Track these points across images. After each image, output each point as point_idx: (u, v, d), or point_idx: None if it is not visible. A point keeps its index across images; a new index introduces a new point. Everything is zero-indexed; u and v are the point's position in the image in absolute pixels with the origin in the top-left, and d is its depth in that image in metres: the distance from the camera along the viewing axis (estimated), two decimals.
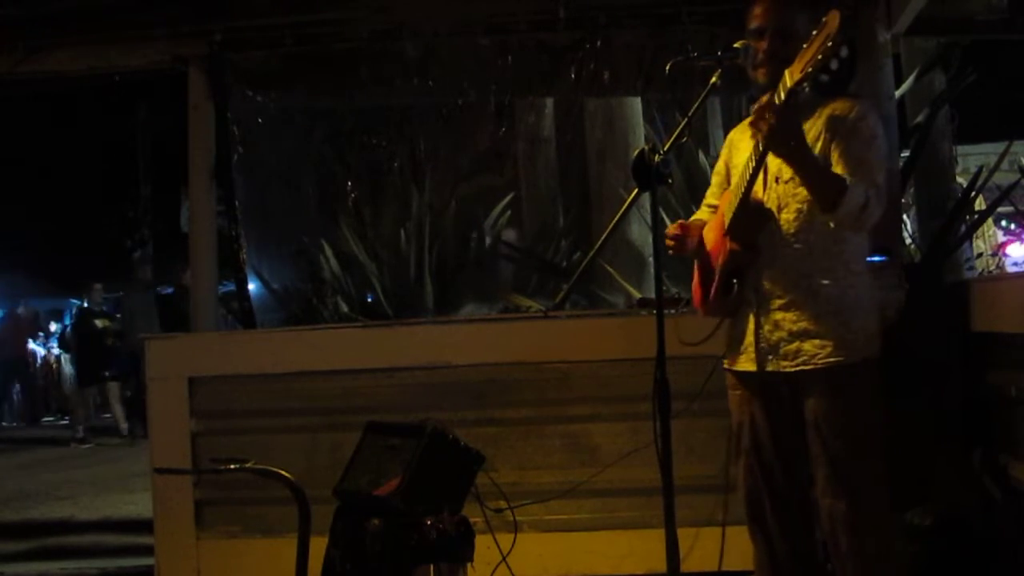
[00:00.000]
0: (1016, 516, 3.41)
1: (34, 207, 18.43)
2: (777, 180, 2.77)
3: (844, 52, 2.51)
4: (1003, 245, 11.82)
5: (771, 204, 2.78)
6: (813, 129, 2.76)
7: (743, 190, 2.73)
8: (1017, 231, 11.97)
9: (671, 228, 2.99)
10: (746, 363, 2.86)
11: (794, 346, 2.75)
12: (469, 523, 3.14)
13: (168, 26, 4.75)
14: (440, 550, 3.04)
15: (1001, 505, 3.46)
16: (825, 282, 2.74)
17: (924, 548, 3.49)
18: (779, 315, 2.78)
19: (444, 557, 3.07)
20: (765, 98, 2.57)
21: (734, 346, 2.90)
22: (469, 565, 3.14)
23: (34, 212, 18.44)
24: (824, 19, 2.40)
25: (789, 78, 2.46)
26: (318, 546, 3.21)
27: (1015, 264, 11.82)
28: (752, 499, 2.91)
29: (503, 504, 3.54)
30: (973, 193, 4.83)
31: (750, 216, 2.76)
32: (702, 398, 3.33)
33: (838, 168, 2.68)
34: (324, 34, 4.79)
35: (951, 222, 4.55)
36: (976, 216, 5.24)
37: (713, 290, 2.87)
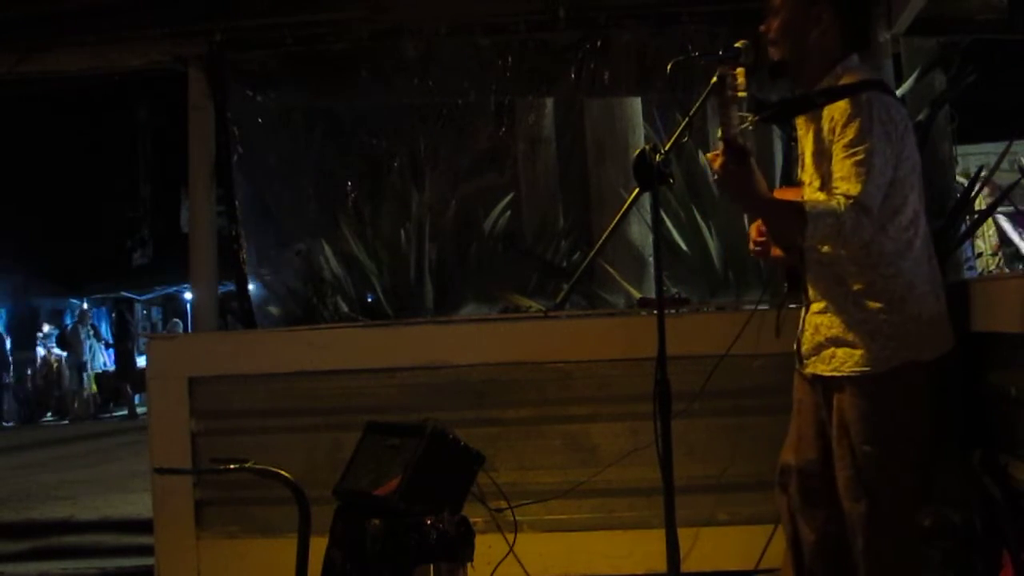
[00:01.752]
0: (1016, 516, 3.40)
1: (34, 207, 18.45)
2: (810, 183, 2.76)
3: (735, 122, 2.55)
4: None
5: None
6: (822, 130, 2.70)
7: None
8: (1017, 231, 11.95)
9: (753, 231, 2.94)
10: (799, 361, 2.89)
11: (830, 351, 2.75)
12: (469, 523, 3.14)
13: (168, 26, 4.76)
14: (440, 550, 3.04)
15: (1001, 505, 3.46)
16: (856, 287, 2.70)
17: (924, 549, 3.48)
18: (818, 319, 2.79)
19: (444, 557, 3.07)
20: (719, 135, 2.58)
21: (797, 338, 2.92)
22: (469, 565, 3.14)
23: (34, 212, 18.46)
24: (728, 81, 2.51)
25: (721, 130, 2.53)
26: (318, 546, 3.21)
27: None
28: (784, 471, 2.92)
29: (503, 504, 3.54)
30: (973, 193, 4.82)
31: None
32: (702, 398, 3.33)
33: (833, 178, 2.62)
34: (324, 34, 4.80)
35: (951, 222, 4.55)
36: (976, 216, 5.23)
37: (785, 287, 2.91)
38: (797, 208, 2.56)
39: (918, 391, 2.75)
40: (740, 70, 2.54)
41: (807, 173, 2.80)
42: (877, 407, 2.69)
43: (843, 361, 2.73)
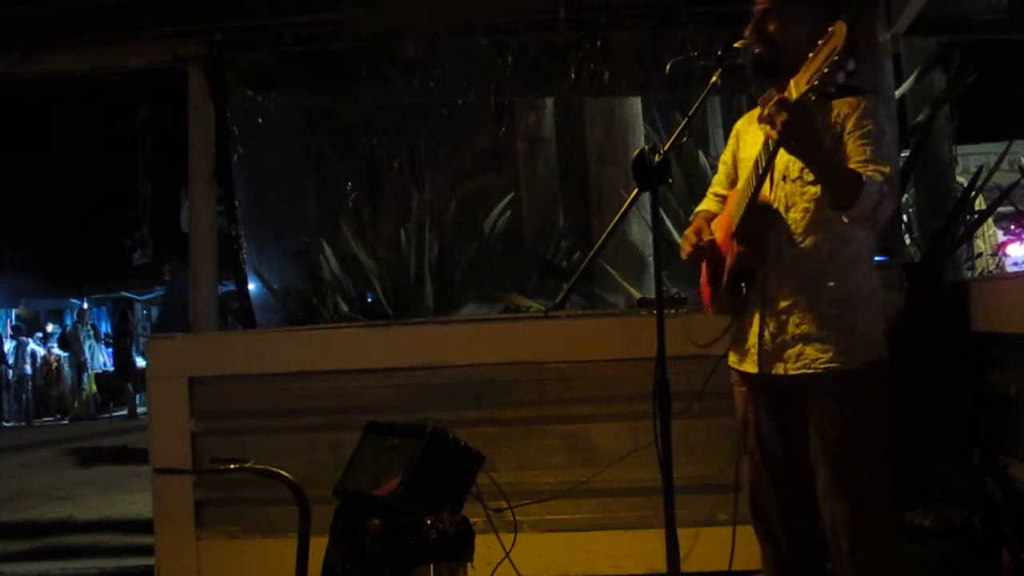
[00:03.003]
0: (1016, 516, 3.41)
1: (34, 207, 18.45)
2: (784, 178, 2.73)
3: (851, 66, 2.47)
4: (1003, 245, 11.80)
5: (778, 203, 2.75)
6: (822, 127, 2.70)
7: (752, 190, 2.69)
8: (1017, 231, 11.96)
9: (691, 241, 2.89)
10: (749, 364, 2.83)
11: (796, 349, 2.72)
12: (469, 523, 3.14)
13: (168, 26, 4.76)
14: (440, 550, 3.04)
15: (1001, 505, 3.46)
16: (831, 284, 2.70)
17: (924, 549, 3.49)
18: (783, 317, 2.74)
19: (444, 557, 3.07)
20: (775, 95, 2.52)
21: (738, 345, 2.87)
22: (469, 565, 3.14)
23: (34, 212, 18.46)
24: (831, 29, 2.37)
25: (795, 88, 2.44)
26: (318, 546, 3.21)
27: (1015, 264, 11.81)
28: (756, 497, 2.89)
29: (503, 504, 3.54)
30: (973, 193, 4.83)
31: (757, 216, 2.73)
32: (702, 398, 3.32)
33: (850, 163, 2.62)
34: (324, 34, 4.80)
35: (951, 222, 4.55)
36: (976, 216, 5.24)
37: (722, 290, 2.84)
38: (853, 171, 2.56)
39: (884, 391, 2.75)
40: (842, 25, 2.45)
41: (791, 168, 2.77)
42: (850, 404, 2.69)
43: (814, 358, 2.70)
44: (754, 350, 2.80)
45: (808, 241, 2.71)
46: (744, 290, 2.79)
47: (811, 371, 2.70)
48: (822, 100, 2.65)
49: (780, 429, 2.82)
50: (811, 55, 2.41)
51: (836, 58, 2.34)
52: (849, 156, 2.65)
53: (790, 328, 2.74)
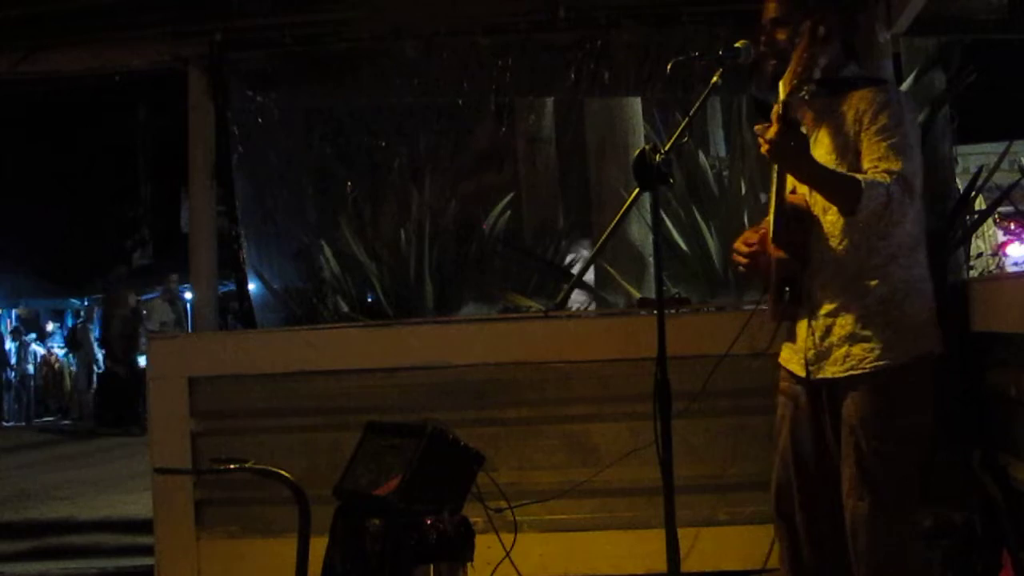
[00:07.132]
0: (1016, 516, 3.41)
1: (35, 207, 18.45)
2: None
3: (823, 62, 2.52)
4: (1003, 245, 11.79)
5: (816, 207, 2.76)
6: (842, 123, 2.73)
7: (775, 198, 2.70)
8: (1017, 231, 11.95)
9: (740, 243, 2.91)
10: (797, 367, 2.85)
11: (843, 351, 2.73)
12: (469, 523, 3.14)
13: (168, 26, 4.76)
14: (440, 550, 3.04)
15: (1001, 505, 3.46)
16: (874, 282, 2.71)
17: (924, 549, 3.49)
18: (829, 320, 2.76)
19: (444, 557, 3.07)
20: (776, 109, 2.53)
21: (789, 347, 2.89)
22: (469, 565, 3.14)
23: (35, 212, 18.46)
24: (800, 30, 2.41)
25: (782, 90, 2.47)
26: (318, 546, 3.21)
27: (1015, 264, 11.81)
28: (781, 494, 2.89)
29: (503, 504, 3.54)
30: (973, 193, 4.82)
31: (789, 222, 2.74)
32: (702, 398, 3.33)
33: (866, 161, 2.64)
34: (324, 34, 4.80)
35: (951, 222, 4.55)
36: (976, 216, 5.23)
37: (769, 298, 2.85)
38: (851, 178, 2.57)
39: (928, 387, 2.76)
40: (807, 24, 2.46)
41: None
42: (892, 403, 2.69)
43: (861, 358, 2.71)
44: (801, 356, 2.82)
45: (846, 241, 2.72)
46: (787, 295, 2.78)
47: (860, 371, 2.71)
48: (825, 93, 2.67)
49: (817, 433, 2.83)
50: (794, 54, 2.45)
51: (805, 55, 2.41)
52: (864, 154, 2.66)
53: (836, 330, 2.75)
